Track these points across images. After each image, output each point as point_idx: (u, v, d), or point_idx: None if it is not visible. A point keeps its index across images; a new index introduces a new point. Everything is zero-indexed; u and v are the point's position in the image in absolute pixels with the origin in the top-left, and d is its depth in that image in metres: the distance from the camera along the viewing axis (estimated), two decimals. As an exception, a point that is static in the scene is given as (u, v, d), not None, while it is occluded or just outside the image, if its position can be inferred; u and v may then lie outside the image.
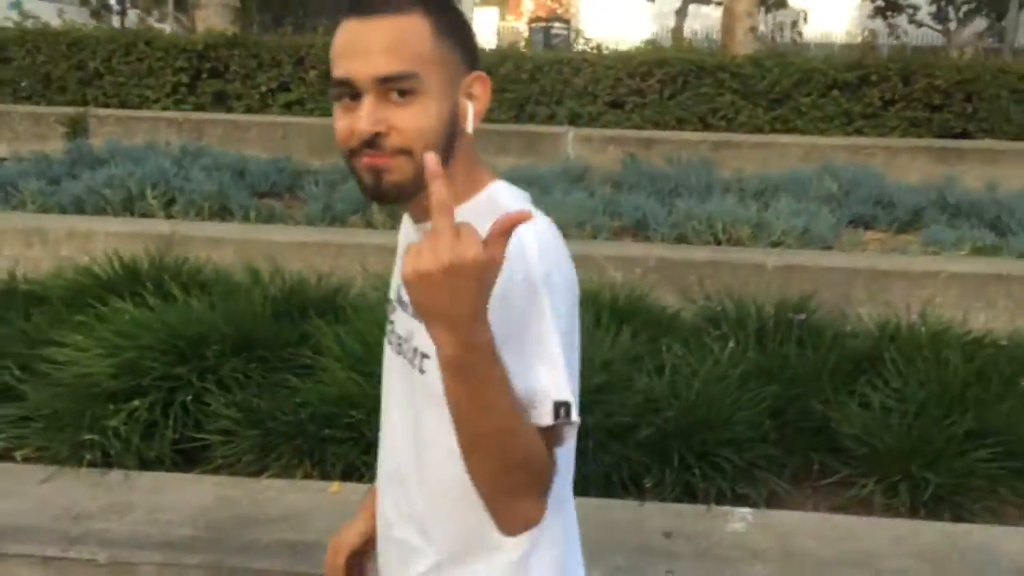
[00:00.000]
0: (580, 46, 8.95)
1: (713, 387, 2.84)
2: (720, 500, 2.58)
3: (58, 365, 2.95)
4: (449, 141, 1.03)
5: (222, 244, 4.28)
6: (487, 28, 26.48)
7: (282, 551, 2.29)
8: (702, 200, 5.31)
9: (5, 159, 6.23)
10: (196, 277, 3.90)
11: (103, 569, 2.17)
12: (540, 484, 0.99)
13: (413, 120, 1.00)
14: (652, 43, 7.90)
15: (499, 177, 1.14)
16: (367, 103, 1.00)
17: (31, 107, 6.92)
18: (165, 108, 7.08)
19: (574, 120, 7.10)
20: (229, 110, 7.12)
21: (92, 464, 2.62)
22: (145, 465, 2.67)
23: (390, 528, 1.14)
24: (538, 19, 26.79)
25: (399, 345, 1.12)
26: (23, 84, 6.93)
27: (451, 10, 1.06)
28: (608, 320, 3.46)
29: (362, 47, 1.00)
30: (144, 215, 4.77)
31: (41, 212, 4.75)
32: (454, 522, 1.06)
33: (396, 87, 1.00)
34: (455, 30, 1.04)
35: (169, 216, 4.77)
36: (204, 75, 7.09)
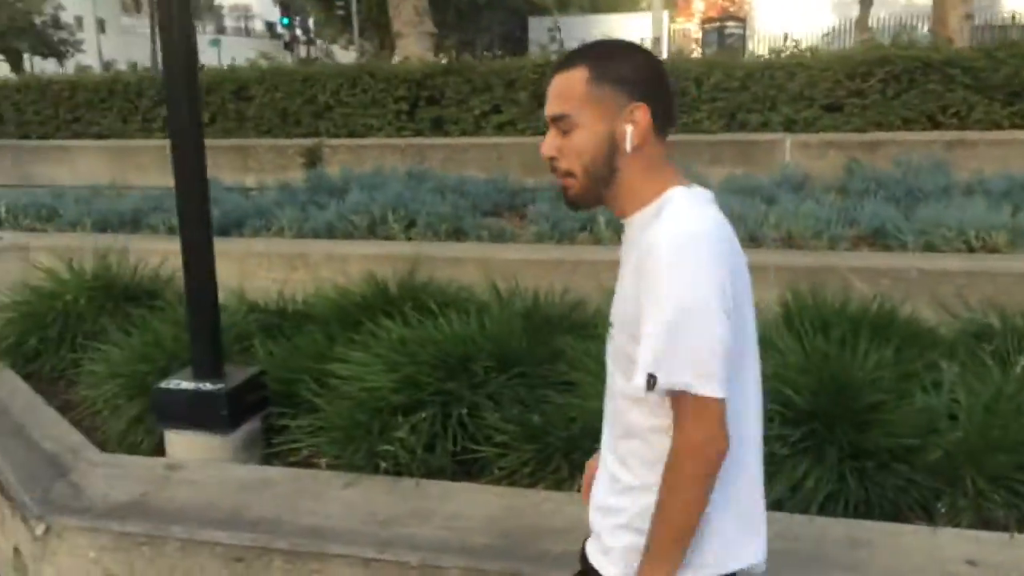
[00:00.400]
0: (755, 44, 8.71)
1: (1004, 405, 2.68)
2: (1022, 527, 2.44)
3: (343, 379, 3.22)
4: (608, 161, 1.38)
5: (462, 263, 4.52)
6: (645, 34, 26.25)
7: (572, 562, 2.38)
8: (943, 204, 5.02)
9: (253, 189, 6.87)
10: (442, 295, 4.14)
11: (415, 571, 2.35)
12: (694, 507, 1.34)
13: (570, 148, 1.39)
14: (870, 40, 7.54)
15: (684, 183, 1.40)
16: (548, 134, 1.42)
17: (272, 140, 7.60)
18: (388, 135, 7.55)
19: (789, 126, 6.91)
20: (445, 134, 7.49)
21: (386, 472, 2.84)
22: (430, 474, 2.87)
23: (603, 460, 1.53)
24: (711, 19, 26.23)
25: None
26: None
27: (612, 59, 1.39)
28: (864, 335, 3.34)
29: (548, 94, 1.41)
30: (387, 238, 5.12)
31: (297, 238, 5.20)
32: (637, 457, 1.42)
33: (559, 125, 1.40)
34: (613, 74, 1.37)
35: (409, 238, 5.08)
36: (422, 102, 7.50)
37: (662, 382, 1.29)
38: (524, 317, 3.79)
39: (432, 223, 5.08)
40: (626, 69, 1.38)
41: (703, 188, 1.43)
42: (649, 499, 1.35)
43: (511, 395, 3.11)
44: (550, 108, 1.41)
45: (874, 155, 6.44)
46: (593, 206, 1.46)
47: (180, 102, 2.99)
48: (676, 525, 1.33)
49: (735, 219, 4.78)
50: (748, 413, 1.42)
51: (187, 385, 3.09)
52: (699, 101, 7.04)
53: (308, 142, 7.08)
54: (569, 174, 1.41)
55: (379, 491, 2.75)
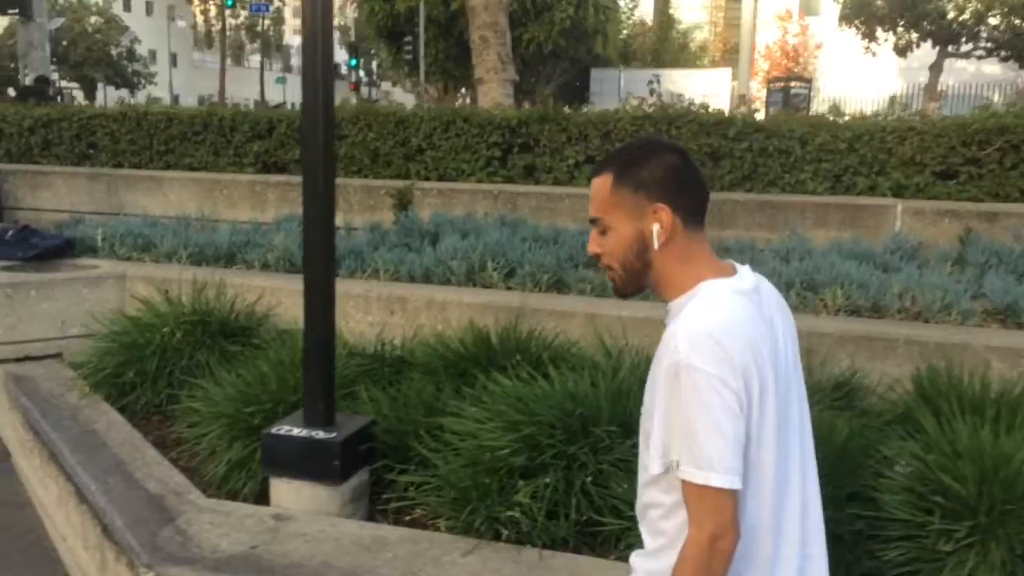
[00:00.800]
0: (818, 106, 8.53)
1: None
2: None
3: (457, 435, 3.09)
4: (640, 256, 1.54)
5: (568, 317, 4.38)
6: (721, 89, 26.25)
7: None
8: (1080, 282, 4.73)
9: (339, 228, 6.86)
10: (547, 349, 4.00)
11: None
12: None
13: (607, 247, 1.57)
14: (985, 108, 7.30)
15: (719, 273, 1.52)
16: (591, 234, 1.60)
17: (362, 180, 7.62)
18: (480, 180, 7.52)
19: (898, 192, 6.67)
20: (537, 182, 7.42)
21: (507, 539, 2.68)
22: (552, 544, 2.70)
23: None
24: (776, 79, 26.20)
25: None
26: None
27: (633, 164, 1.54)
28: (1020, 419, 3.11)
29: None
30: (485, 286, 5.01)
31: (393, 281, 5.13)
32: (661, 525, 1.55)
33: (597, 226, 1.58)
34: (634, 178, 1.53)
35: (509, 287, 4.97)
36: (516, 149, 7.46)
37: (684, 472, 1.39)
38: (639, 379, 3.63)
39: (533, 273, 4.97)
40: (646, 173, 1.53)
41: (740, 275, 1.54)
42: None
43: (636, 464, 2.94)
44: (590, 211, 1.59)
45: (992, 226, 6.17)
46: (639, 293, 1.62)
47: (315, 150, 2.98)
48: None
49: (855, 286, 4.58)
50: (755, 503, 1.47)
51: (299, 432, 2.99)
52: (803, 161, 6.85)
53: (399, 184, 7.07)
54: (611, 268, 1.59)
55: (502, 560, 2.60)
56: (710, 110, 7.45)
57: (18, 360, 4.84)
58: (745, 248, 5.78)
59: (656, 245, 1.52)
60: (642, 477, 1.58)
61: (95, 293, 5.13)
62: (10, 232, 5.79)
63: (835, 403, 3.60)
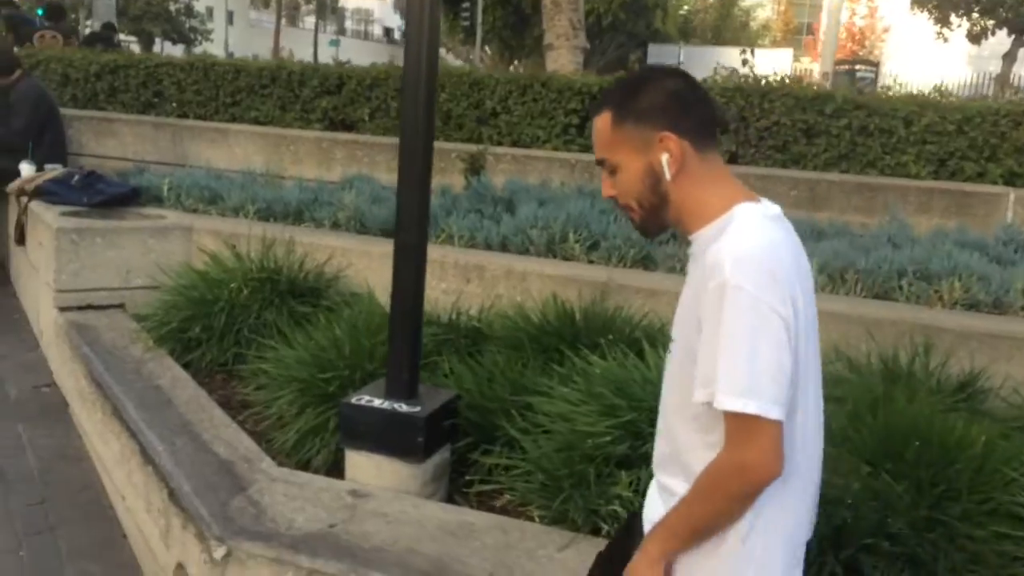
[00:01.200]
0: (886, 89, 8.07)
1: None
2: None
3: (547, 416, 2.88)
4: (655, 191, 1.48)
5: (658, 296, 4.13)
6: (781, 69, 25.39)
7: None
8: None
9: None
10: (634, 329, 3.76)
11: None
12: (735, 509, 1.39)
13: (620, 188, 1.51)
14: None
15: (751, 197, 1.46)
16: (603, 176, 1.55)
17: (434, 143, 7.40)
18: (555, 148, 7.26)
19: (1011, 180, 6.25)
20: (616, 152, 7.14)
21: (608, 535, 2.46)
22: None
23: (656, 480, 1.63)
24: (842, 62, 25.41)
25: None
26: None
27: (629, 96, 1.48)
28: None
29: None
30: (566, 258, 4.78)
31: (468, 247, 4.92)
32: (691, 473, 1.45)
33: (605, 167, 1.53)
34: (632, 111, 1.47)
35: (591, 260, 4.73)
36: (595, 116, 7.19)
37: (720, 401, 1.32)
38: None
39: (619, 247, 4.71)
40: (644, 102, 1.47)
41: (770, 203, 1.49)
42: None
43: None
44: (596, 152, 1.55)
45: (1114, 221, 5.75)
46: (664, 230, 1.58)
47: (416, 107, 2.80)
48: (698, 527, 1.41)
49: (974, 278, 4.24)
50: (801, 442, 1.43)
51: (380, 404, 2.80)
52: (906, 143, 6.45)
53: (472, 148, 6.84)
54: (629, 208, 1.54)
55: (601, 559, 2.37)
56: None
57: (80, 308, 4.75)
58: (841, 232, 5.45)
59: (668, 176, 1.47)
60: (671, 420, 1.53)
61: (161, 244, 5.01)
62: (76, 177, 5.70)
63: (956, 405, 3.30)
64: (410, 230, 2.87)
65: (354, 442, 2.83)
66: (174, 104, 8.83)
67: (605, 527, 2.48)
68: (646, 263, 4.71)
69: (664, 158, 1.46)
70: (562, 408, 2.87)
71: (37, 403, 4.45)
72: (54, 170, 5.99)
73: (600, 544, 2.45)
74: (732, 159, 6.63)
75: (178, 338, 4.15)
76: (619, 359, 3.19)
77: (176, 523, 2.63)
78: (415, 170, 2.84)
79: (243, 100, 8.57)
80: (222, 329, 4.10)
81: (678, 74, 1.54)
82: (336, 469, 3.03)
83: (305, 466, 3.05)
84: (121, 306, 4.88)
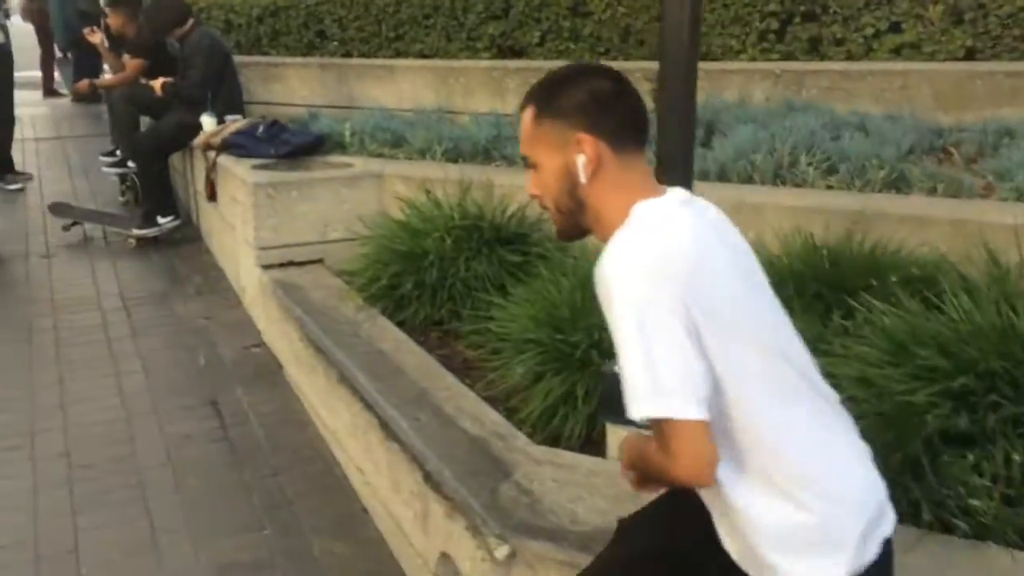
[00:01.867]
0: None
1: None
2: None
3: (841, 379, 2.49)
4: (571, 194, 1.50)
5: (927, 224, 3.62)
6: None
7: None
8: None
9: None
10: (900, 268, 3.26)
11: None
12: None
13: (540, 187, 1.55)
14: None
15: (652, 194, 1.47)
16: (527, 174, 1.58)
17: (613, 63, 6.94)
18: (752, 59, 6.64)
19: None
20: (822, 58, 6.45)
21: (964, 533, 2.08)
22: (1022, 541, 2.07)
23: None
24: None
25: None
26: None
27: (552, 93, 1.51)
28: None
29: None
30: (796, 185, 4.29)
31: (682, 178, 4.52)
32: None
33: (528, 164, 1.55)
34: (553, 109, 1.50)
35: (829, 186, 4.22)
36: (797, 19, 6.49)
37: (630, 411, 1.32)
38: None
39: (863, 168, 4.17)
40: (565, 100, 1.48)
41: (677, 189, 1.51)
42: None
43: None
44: (520, 148, 1.56)
45: None
46: (580, 236, 1.57)
47: (680, 29, 2.53)
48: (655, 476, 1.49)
49: None
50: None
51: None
52: None
53: (657, 65, 6.31)
54: (547, 209, 1.56)
55: (959, 560, 1.99)
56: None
57: (282, 266, 4.69)
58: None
59: (583, 179, 1.47)
60: None
61: (354, 193, 4.87)
62: (260, 128, 5.64)
63: None
64: (673, 168, 2.54)
65: (619, 418, 2.54)
66: (336, 43, 8.71)
67: (961, 524, 2.09)
68: (898, 186, 4.16)
69: (580, 160, 1.46)
70: (863, 371, 2.48)
71: (251, 365, 4.44)
72: (236, 121, 5.97)
73: (949, 544, 2.08)
74: (969, 54, 5.83)
75: (389, 295, 4.00)
76: (908, 307, 2.75)
77: (437, 510, 2.45)
78: (679, 108, 2.57)
79: (407, 33, 8.35)
80: (434, 284, 3.90)
81: (605, 73, 1.52)
82: (589, 444, 2.78)
83: (555, 440, 2.81)
84: (320, 261, 4.79)
